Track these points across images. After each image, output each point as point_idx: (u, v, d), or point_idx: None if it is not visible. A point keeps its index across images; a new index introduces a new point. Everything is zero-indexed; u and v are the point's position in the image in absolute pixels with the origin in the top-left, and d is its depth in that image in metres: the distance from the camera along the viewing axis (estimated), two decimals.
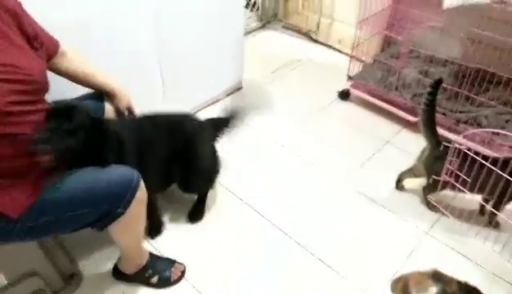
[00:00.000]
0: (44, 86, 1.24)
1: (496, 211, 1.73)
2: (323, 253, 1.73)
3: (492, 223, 1.83)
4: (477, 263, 1.69)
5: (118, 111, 1.53)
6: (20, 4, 1.23)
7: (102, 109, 1.50)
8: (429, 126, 1.78)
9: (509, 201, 1.69)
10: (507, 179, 1.58)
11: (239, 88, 2.72)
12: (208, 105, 2.53)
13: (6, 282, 1.36)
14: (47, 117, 1.20)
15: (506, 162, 1.60)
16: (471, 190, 1.73)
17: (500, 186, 1.63)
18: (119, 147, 1.37)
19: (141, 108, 1.61)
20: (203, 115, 2.45)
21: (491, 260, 1.69)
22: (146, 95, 2.00)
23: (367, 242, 1.79)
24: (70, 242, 1.62)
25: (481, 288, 1.27)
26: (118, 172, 1.28)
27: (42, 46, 1.28)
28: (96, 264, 1.66)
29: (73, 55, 1.44)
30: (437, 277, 1.30)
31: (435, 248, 1.76)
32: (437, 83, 1.74)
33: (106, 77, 1.50)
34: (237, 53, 2.54)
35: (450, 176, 1.75)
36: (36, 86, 1.18)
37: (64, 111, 1.22)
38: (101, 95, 1.52)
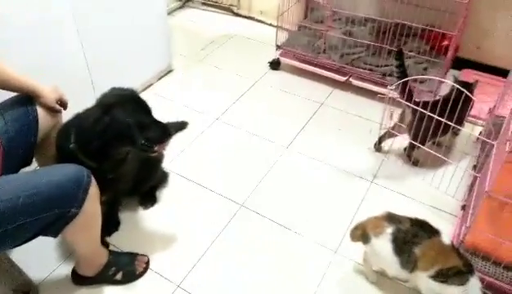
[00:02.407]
0: None
1: (423, 147, 1.88)
2: (277, 215, 1.78)
3: (411, 159, 2.01)
4: (419, 200, 1.85)
5: (50, 109, 1.42)
6: None
7: (34, 113, 1.38)
8: (408, 94, 1.83)
9: (431, 138, 1.86)
10: (427, 119, 1.74)
11: (170, 71, 2.64)
12: (142, 91, 2.45)
13: None
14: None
15: (425, 104, 1.79)
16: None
17: (422, 126, 1.78)
18: None
19: (71, 103, 1.50)
20: None
21: (431, 196, 1.85)
22: (75, 90, 1.87)
23: (318, 200, 1.87)
24: (20, 256, 1.51)
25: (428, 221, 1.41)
26: (62, 172, 1.20)
27: None
28: (52, 273, 1.56)
29: None
30: (390, 218, 1.41)
31: (381, 194, 1.89)
32: (399, 53, 1.82)
33: (21, 79, 1.36)
34: (163, 34, 2.47)
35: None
36: None
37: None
38: (30, 98, 1.39)
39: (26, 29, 1.68)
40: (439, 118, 1.72)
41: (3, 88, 1.34)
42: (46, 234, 1.20)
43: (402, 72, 1.82)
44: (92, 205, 1.25)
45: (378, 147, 2.07)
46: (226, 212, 1.81)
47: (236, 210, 1.82)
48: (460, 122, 1.79)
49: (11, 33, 1.63)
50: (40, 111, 1.40)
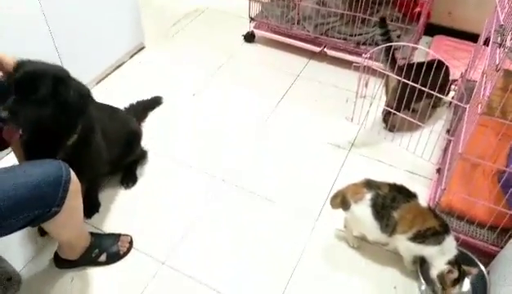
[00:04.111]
0: None
1: (397, 113, 1.91)
2: (257, 187, 1.80)
3: (388, 125, 2.04)
4: (396, 166, 1.89)
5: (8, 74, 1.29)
6: None
7: None
8: (392, 62, 1.83)
9: (407, 104, 1.88)
10: (403, 84, 1.77)
11: (142, 48, 2.58)
12: (114, 70, 2.38)
13: None
14: (13, 89, 1.11)
15: (410, 66, 1.83)
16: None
17: (407, 89, 1.80)
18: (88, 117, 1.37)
19: None
20: (112, 80, 2.34)
21: (407, 161, 1.90)
22: None
23: (297, 170, 1.89)
24: None
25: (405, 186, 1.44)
26: (40, 171, 1.15)
27: None
28: (34, 258, 1.55)
29: None
30: (369, 184, 1.45)
31: (359, 162, 1.93)
32: (382, 21, 1.83)
33: None
34: (132, 10, 2.39)
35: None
36: None
37: (30, 80, 1.15)
38: None
39: None
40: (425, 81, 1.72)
41: None
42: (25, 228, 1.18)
43: (388, 39, 1.84)
44: (73, 201, 1.23)
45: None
46: (206, 187, 1.81)
47: (216, 184, 1.82)
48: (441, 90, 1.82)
49: None
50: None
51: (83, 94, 1.33)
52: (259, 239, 1.62)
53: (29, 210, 1.12)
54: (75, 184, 1.22)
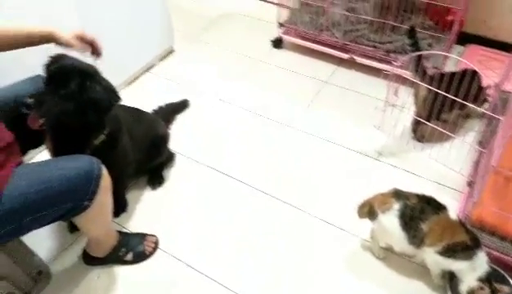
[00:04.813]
0: None
1: (427, 123, 1.87)
2: (283, 195, 1.79)
3: (417, 135, 2.00)
4: (425, 177, 1.85)
5: (69, 44, 1.33)
6: None
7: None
8: (421, 71, 1.81)
9: (438, 113, 1.84)
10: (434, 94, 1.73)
11: (171, 51, 2.62)
12: (144, 72, 2.43)
13: None
14: (45, 80, 1.14)
15: (431, 78, 1.79)
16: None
17: (437, 99, 1.77)
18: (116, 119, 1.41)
19: None
20: (142, 82, 2.38)
21: (437, 172, 1.85)
22: None
23: (324, 178, 1.88)
24: (30, 238, 1.52)
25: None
26: (73, 165, 1.19)
27: None
28: (63, 254, 1.59)
29: None
30: (397, 195, 1.42)
31: (387, 171, 1.90)
32: (412, 31, 1.80)
33: (34, 26, 1.30)
34: (163, 14, 2.43)
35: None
36: None
37: (61, 75, 1.18)
38: (39, 78, 1.36)
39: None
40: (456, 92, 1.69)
41: (22, 41, 1.28)
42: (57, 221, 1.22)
43: (417, 50, 1.80)
44: (104, 196, 1.26)
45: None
46: (231, 191, 1.82)
47: (241, 188, 1.82)
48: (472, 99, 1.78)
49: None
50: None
51: (110, 92, 1.34)
52: (284, 247, 1.61)
53: (62, 203, 1.16)
54: (106, 180, 1.26)
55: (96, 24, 1.98)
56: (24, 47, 1.29)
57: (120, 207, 1.73)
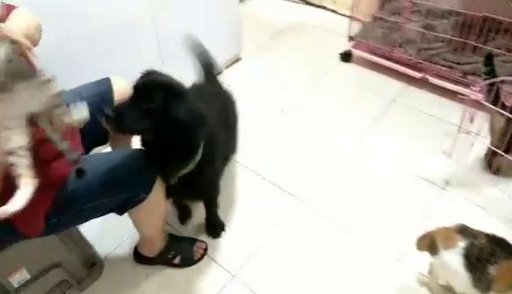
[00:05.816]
0: None
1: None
2: (338, 215, 1.72)
3: (492, 168, 1.83)
4: (497, 214, 1.68)
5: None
6: None
7: (108, 83, 1.41)
8: (496, 99, 1.67)
9: None
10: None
11: (238, 59, 2.64)
12: None
13: (29, 276, 1.34)
14: (132, 92, 1.16)
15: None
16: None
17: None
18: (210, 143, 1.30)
19: None
20: None
21: (509, 210, 1.68)
22: None
23: (384, 202, 1.78)
24: (88, 231, 1.59)
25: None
26: (134, 157, 1.24)
27: None
28: (116, 249, 1.64)
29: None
30: (464, 231, 1.30)
31: (454, 203, 1.75)
32: (488, 59, 1.68)
33: None
34: (234, 22, 2.46)
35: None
36: None
37: (142, 90, 1.15)
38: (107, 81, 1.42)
39: (108, 22, 1.77)
40: None
41: None
42: (113, 212, 1.26)
43: (493, 77, 1.66)
44: (158, 194, 1.28)
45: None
46: (287, 207, 1.78)
47: (295, 204, 1.78)
48: None
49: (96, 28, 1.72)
50: (115, 80, 1.41)
51: (196, 116, 1.19)
52: (333, 271, 1.54)
53: (121, 191, 1.20)
54: (160, 181, 1.28)
55: (170, 30, 2.05)
56: None
57: (218, 226, 1.69)
